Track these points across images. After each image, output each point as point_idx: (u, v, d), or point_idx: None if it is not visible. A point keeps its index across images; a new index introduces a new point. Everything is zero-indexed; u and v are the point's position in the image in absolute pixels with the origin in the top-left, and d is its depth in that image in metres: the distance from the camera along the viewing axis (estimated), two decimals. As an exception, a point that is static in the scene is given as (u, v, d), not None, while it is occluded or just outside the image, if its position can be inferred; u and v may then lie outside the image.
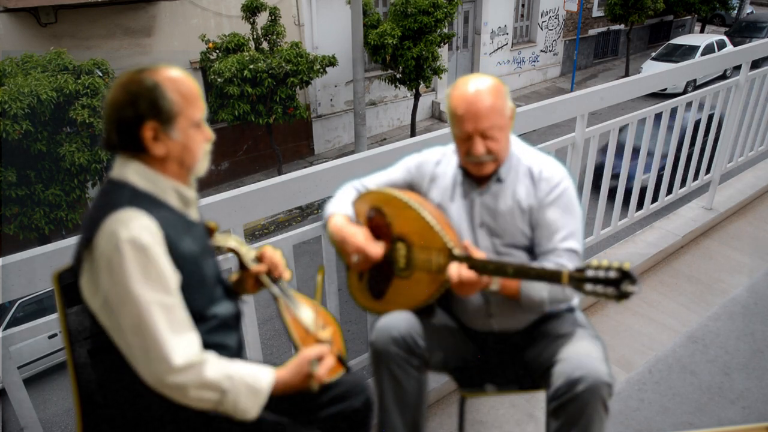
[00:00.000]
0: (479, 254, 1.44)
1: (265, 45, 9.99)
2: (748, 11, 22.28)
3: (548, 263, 1.51)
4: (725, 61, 3.51)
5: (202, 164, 1.25)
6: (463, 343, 1.71)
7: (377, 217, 1.65)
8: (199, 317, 1.21)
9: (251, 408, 1.17)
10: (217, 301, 1.28)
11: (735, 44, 14.70)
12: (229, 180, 11.22)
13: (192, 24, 10.35)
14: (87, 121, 7.23)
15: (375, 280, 1.67)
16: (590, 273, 1.27)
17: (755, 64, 3.44)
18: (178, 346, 1.10)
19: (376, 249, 1.58)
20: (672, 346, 2.51)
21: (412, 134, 12.32)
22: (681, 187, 3.35)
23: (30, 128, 6.95)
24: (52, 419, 6.80)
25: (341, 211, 1.68)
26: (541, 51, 16.59)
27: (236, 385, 1.15)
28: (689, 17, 20.59)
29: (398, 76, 11.48)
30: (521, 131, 1.99)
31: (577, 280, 1.29)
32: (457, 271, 1.42)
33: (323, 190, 1.86)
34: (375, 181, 1.76)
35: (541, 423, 2.07)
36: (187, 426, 1.21)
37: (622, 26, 17.41)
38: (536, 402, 2.20)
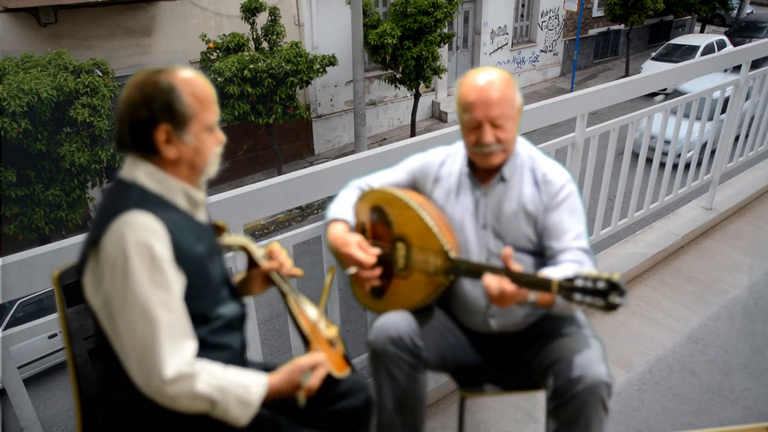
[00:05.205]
0: (517, 267, 1.37)
1: (265, 45, 9.98)
2: (748, 11, 22.24)
3: (565, 264, 1.48)
4: (725, 61, 3.51)
5: (213, 167, 1.25)
6: (462, 344, 1.70)
7: (379, 217, 1.65)
8: (203, 318, 1.21)
9: (241, 417, 1.17)
10: (222, 302, 1.28)
11: (735, 44, 14.68)
12: (229, 180, 11.20)
13: (192, 24, 10.34)
14: (87, 120, 7.21)
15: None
16: (579, 283, 1.25)
17: (755, 64, 3.44)
18: (171, 357, 1.10)
19: (367, 257, 1.57)
20: (672, 346, 2.51)
21: (412, 134, 12.31)
22: (681, 187, 3.36)
23: (29, 127, 6.92)
24: (52, 419, 6.80)
25: (341, 216, 1.68)
26: (541, 51, 16.57)
27: (227, 397, 1.14)
28: (689, 17, 20.57)
29: (398, 76, 11.46)
30: (521, 131, 1.99)
31: (567, 289, 1.27)
32: (497, 284, 1.35)
33: (323, 190, 1.86)
34: (379, 180, 1.76)
35: (541, 423, 2.07)
36: (186, 428, 1.21)
37: (622, 26, 17.39)
38: (536, 402, 2.19)
